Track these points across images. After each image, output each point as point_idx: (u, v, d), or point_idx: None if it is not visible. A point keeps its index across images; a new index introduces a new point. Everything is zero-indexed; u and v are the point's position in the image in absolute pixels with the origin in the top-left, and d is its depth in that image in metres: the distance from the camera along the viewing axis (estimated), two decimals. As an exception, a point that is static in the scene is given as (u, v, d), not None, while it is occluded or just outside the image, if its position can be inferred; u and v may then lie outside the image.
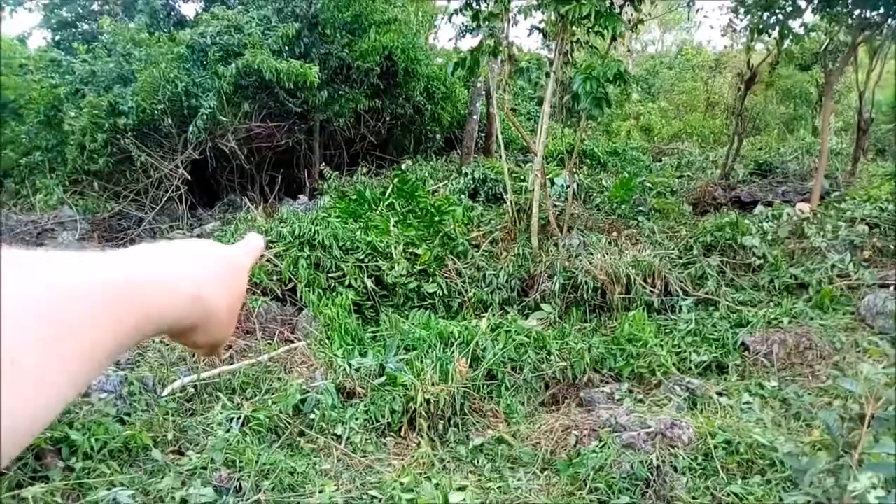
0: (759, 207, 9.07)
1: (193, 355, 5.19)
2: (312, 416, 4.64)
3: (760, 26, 10.12)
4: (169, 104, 9.52)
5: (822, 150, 9.44)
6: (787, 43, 10.19)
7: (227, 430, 4.29)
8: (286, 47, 10.36)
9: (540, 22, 8.96)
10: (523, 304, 7.37)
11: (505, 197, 9.14)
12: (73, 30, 14.83)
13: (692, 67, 21.47)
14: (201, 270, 0.56)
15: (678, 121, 18.57)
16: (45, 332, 0.40)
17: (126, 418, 4.24)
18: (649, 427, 4.42)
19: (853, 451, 2.32)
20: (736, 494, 3.88)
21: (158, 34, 11.20)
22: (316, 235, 7.33)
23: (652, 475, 4.02)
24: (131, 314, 0.47)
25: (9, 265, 0.40)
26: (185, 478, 3.79)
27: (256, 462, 3.95)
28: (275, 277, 7.01)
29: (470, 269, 7.78)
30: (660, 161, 14.05)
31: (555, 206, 9.09)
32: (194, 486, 3.67)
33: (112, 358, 0.46)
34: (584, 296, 7.12)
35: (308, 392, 4.81)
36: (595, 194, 10.35)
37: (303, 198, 11.11)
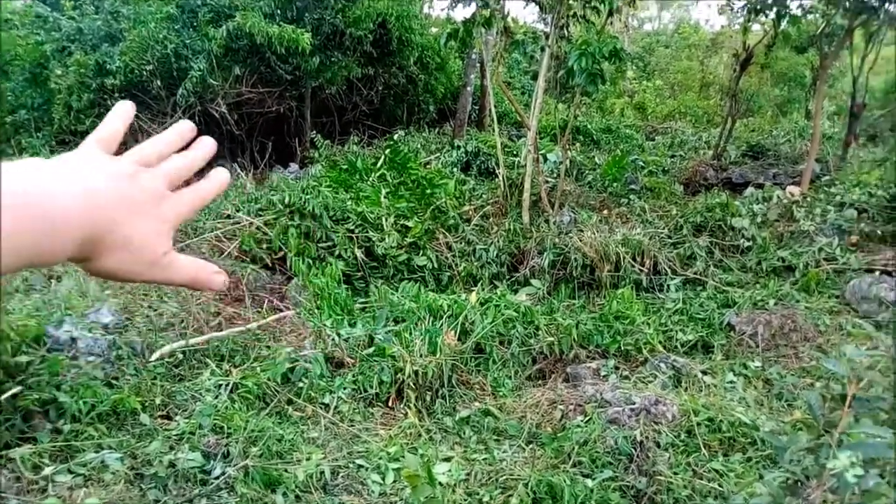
0: (750, 189, 9.10)
1: (182, 321, 5.18)
2: (301, 384, 4.66)
3: (758, 6, 10.05)
4: (158, 65, 9.35)
5: (815, 133, 9.46)
6: (783, 24, 10.12)
7: (216, 397, 4.30)
8: (278, 11, 10.16)
9: (538, -6, 8.83)
10: (513, 279, 7.40)
11: (497, 171, 9.11)
12: (60, -15, 14.43)
13: (688, 46, 21.34)
14: (119, 197, 0.53)
15: (672, 100, 18.51)
16: None
17: (114, 382, 4.24)
18: (634, 403, 4.48)
19: (833, 431, 2.37)
20: (716, 471, 3.96)
21: (148, -8, 10.94)
22: (306, 204, 7.29)
23: (635, 450, 4.09)
24: (43, 226, 0.45)
25: None
26: (173, 442, 3.80)
27: (244, 428, 3.97)
28: (264, 246, 6.98)
29: (460, 243, 7.79)
30: (653, 140, 14.04)
31: (547, 181, 9.07)
32: (182, 451, 3.69)
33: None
34: (574, 272, 7.16)
35: (297, 361, 4.82)
36: (587, 171, 10.34)
37: (293, 166, 11.00)
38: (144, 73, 9.27)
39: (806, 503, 2.38)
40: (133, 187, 0.56)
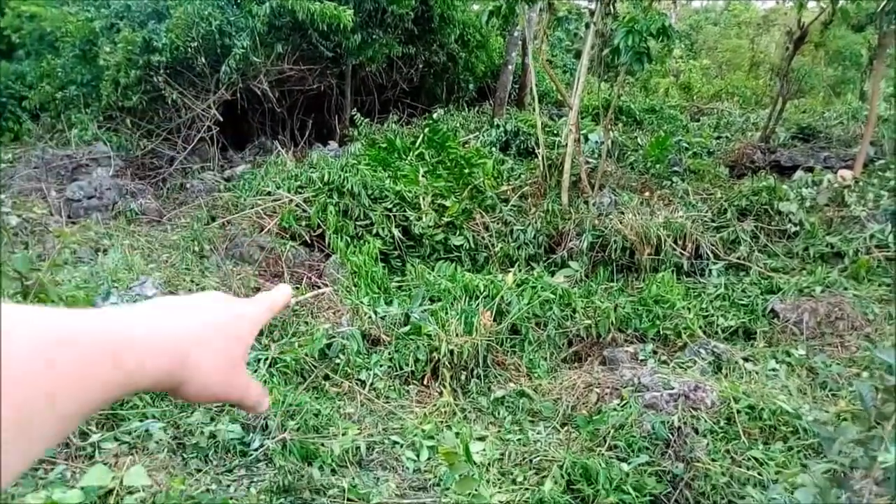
0: (799, 173, 8.80)
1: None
2: (338, 360, 4.72)
3: (815, -18, 9.63)
4: (202, 42, 9.43)
5: (870, 115, 9.07)
6: (841, 1, 9.69)
7: (255, 371, 4.38)
8: (321, -12, 10.14)
9: (583, -30, 8.63)
10: (550, 260, 7.33)
11: (536, 151, 9.00)
12: (108, -37, 14.66)
13: (738, 24, 20.64)
14: (191, 331, 0.55)
15: (720, 79, 17.96)
16: (40, 375, 0.40)
17: (158, 353, 4.35)
18: (672, 388, 4.42)
19: (886, 423, 2.29)
20: (756, 459, 3.89)
21: (193, -30, 11.02)
22: (345, 182, 7.32)
23: (672, 436, 4.04)
24: (121, 368, 0.46)
25: (7, 314, 0.41)
26: (213, 414, 3.89)
27: (283, 403, 4.05)
28: (303, 223, 7.06)
29: (498, 224, 7.74)
30: (698, 121, 13.67)
31: (587, 162, 8.92)
32: (223, 423, 3.78)
33: (92, 411, 0.46)
34: (613, 255, 7.06)
35: (334, 337, 4.88)
36: (629, 152, 10.13)
37: (333, 143, 11.06)
38: (189, 50, 9.37)
39: (852, 494, 2.31)
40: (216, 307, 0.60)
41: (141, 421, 3.62)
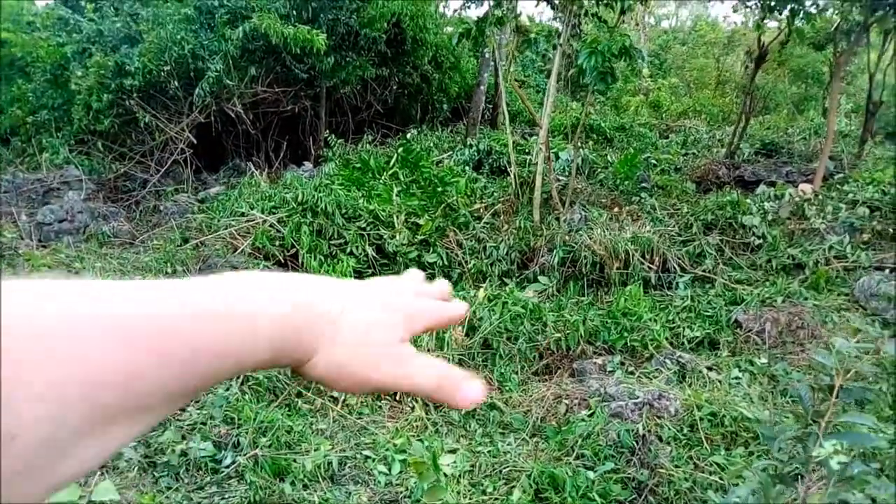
0: (762, 187, 9.07)
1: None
2: (310, 377, 4.76)
3: (772, 3, 9.99)
4: (175, 66, 9.51)
5: (829, 131, 9.39)
6: (797, 21, 10.06)
7: (227, 389, 4.42)
8: (294, 12, 10.29)
9: (549, -8, 8.86)
10: (522, 276, 7.46)
11: (509, 170, 9.17)
12: (81, -12, 14.69)
13: (705, 44, 21.19)
14: (325, 282, 0.48)
15: (688, 98, 18.40)
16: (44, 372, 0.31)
17: (129, 374, 4.37)
18: (638, 398, 4.53)
19: (821, 420, 2.45)
20: (718, 464, 4.01)
21: (166, -5, 11.12)
22: (319, 202, 7.40)
23: (637, 444, 4.15)
24: (186, 345, 0.38)
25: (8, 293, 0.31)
26: (185, 432, 3.92)
27: (254, 420, 4.09)
28: (277, 242, 7.11)
29: (471, 241, 7.85)
30: (666, 138, 13.98)
31: (558, 180, 9.11)
32: (194, 441, 3.81)
33: (168, 402, 0.38)
34: (583, 270, 7.21)
35: (306, 354, 4.92)
36: (599, 169, 10.35)
37: (307, 164, 11.14)
38: (162, 73, 9.43)
39: (791, 489, 2.44)
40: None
41: (111, 440, 3.64)
